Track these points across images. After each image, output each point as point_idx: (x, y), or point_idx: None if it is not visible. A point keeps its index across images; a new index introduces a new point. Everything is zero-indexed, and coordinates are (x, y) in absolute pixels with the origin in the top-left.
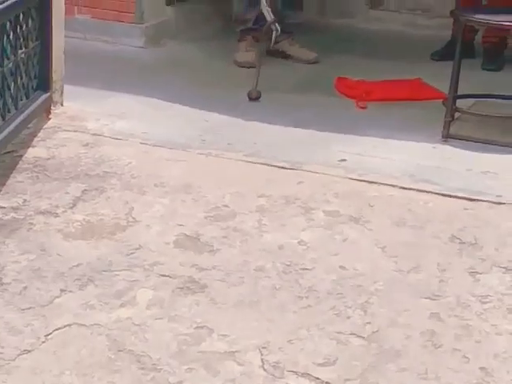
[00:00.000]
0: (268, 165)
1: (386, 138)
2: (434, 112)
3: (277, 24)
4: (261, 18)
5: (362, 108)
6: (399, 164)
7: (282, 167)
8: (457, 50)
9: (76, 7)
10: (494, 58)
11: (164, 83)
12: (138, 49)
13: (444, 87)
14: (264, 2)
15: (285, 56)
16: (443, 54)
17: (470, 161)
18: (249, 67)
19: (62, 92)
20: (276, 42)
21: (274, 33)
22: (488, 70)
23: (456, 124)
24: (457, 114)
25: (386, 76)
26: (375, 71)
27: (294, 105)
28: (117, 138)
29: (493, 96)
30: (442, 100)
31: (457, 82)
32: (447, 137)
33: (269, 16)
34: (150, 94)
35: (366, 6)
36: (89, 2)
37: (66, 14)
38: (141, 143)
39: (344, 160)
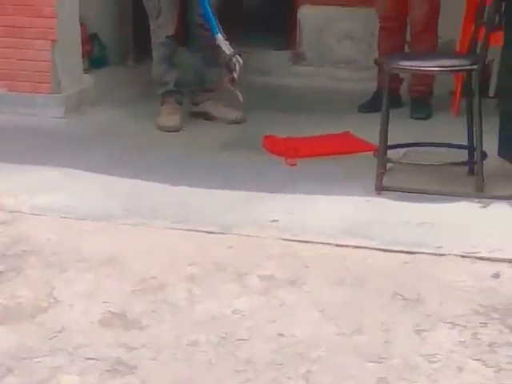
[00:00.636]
0: (196, 231)
1: (317, 194)
2: (365, 164)
3: (238, 56)
4: (180, 80)
5: (292, 165)
6: (333, 220)
7: (212, 232)
8: (384, 99)
9: None
10: (422, 107)
11: (86, 153)
12: (58, 119)
13: (374, 139)
14: (221, 37)
15: (208, 117)
16: (371, 105)
17: (405, 212)
18: (172, 131)
19: None
20: (197, 104)
21: (236, 65)
22: (417, 118)
23: (388, 175)
24: (389, 165)
25: (314, 131)
26: (303, 127)
27: (222, 165)
28: (36, 214)
29: (423, 144)
30: (372, 151)
31: (386, 133)
32: (381, 189)
33: (228, 49)
34: (71, 165)
35: (289, 61)
36: (4, 75)
37: None
38: (62, 217)
39: (276, 220)
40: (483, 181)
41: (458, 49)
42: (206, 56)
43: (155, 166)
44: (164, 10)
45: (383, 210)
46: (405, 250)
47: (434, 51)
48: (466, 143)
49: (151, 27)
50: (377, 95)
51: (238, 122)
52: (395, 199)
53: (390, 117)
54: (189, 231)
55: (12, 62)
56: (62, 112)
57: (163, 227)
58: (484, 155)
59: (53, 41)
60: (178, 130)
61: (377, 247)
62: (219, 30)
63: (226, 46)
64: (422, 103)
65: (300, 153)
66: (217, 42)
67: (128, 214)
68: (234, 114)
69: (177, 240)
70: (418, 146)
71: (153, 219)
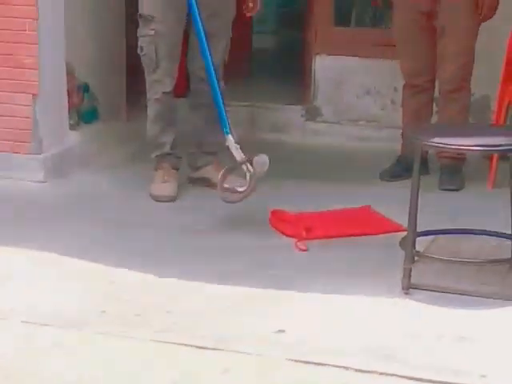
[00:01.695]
0: (185, 345)
1: (332, 293)
2: (389, 250)
3: (249, 164)
4: (178, 141)
5: (303, 250)
6: (351, 333)
7: (203, 347)
8: (413, 181)
9: None
10: (453, 176)
11: (64, 228)
12: (37, 184)
13: (399, 215)
14: (231, 139)
15: (209, 184)
16: (394, 173)
17: (439, 322)
18: (167, 201)
19: None
20: (196, 168)
21: (247, 174)
22: (447, 190)
23: (417, 267)
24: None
25: (330, 203)
26: (316, 198)
27: (221, 250)
28: None
29: (457, 231)
30: (398, 232)
31: (415, 220)
32: (408, 287)
33: (238, 155)
34: (45, 245)
35: (302, 117)
36: None
37: None
38: (22, 322)
39: (282, 331)
40: None
41: (494, 107)
42: (207, 114)
43: (142, 249)
44: (162, 63)
45: (412, 319)
46: (440, 379)
47: (472, 123)
48: (508, 228)
49: (147, 81)
50: (401, 161)
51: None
52: (427, 302)
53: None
54: (175, 345)
55: None
56: (41, 176)
57: (144, 339)
58: None
59: (34, 95)
60: (173, 200)
61: (406, 375)
62: (230, 130)
63: (236, 151)
64: (453, 171)
65: (313, 233)
66: (226, 143)
67: (104, 318)
68: (239, 184)
69: (159, 358)
70: (452, 234)
71: (133, 327)
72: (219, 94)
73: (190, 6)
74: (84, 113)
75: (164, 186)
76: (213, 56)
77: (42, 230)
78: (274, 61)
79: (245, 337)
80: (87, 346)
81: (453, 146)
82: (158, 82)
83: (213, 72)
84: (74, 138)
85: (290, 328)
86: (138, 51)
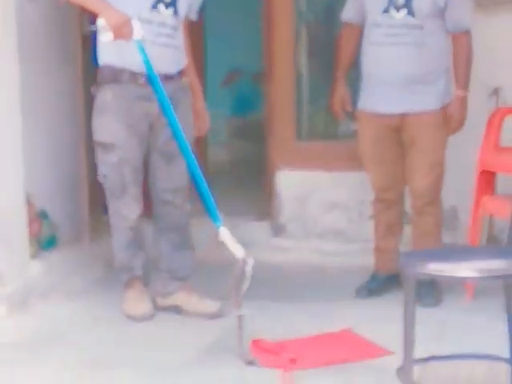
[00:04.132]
0: None
1: None
2: (380, 378)
3: (249, 260)
4: (147, 262)
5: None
6: None
7: None
8: (406, 316)
9: None
10: (428, 289)
11: (30, 372)
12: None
13: (380, 336)
14: (226, 232)
15: (180, 312)
16: (369, 290)
17: None
18: (145, 320)
19: None
20: (166, 295)
21: (247, 272)
22: (425, 306)
23: None
24: None
25: (307, 326)
26: (293, 321)
27: None
28: None
29: (454, 357)
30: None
31: (412, 347)
32: None
33: (238, 251)
34: None
35: (268, 233)
36: None
37: None
38: None
39: None
40: None
41: (462, 218)
42: (174, 239)
43: None
44: (129, 189)
45: None
46: None
47: (467, 247)
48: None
49: (111, 209)
50: (376, 276)
51: (216, 316)
52: None
53: (390, 303)
54: None
55: None
56: (3, 311)
57: None
58: None
59: None
60: (151, 318)
61: None
62: (220, 223)
63: (234, 247)
64: (430, 286)
65: (299, 364)
66: (219, 239)
67: None
68: (212, 307)
69: None
70: (447, 360)
71: None
72: (203, 184)
73: (170, 124)
74: (44, 241)
75: (139, 304)
76: (178, 180)
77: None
78: (231, 173)
79: None
80: None
81: (453, 275)
82: (127, 208)
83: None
84: (36, 267)
85: None
86: (100, 179)
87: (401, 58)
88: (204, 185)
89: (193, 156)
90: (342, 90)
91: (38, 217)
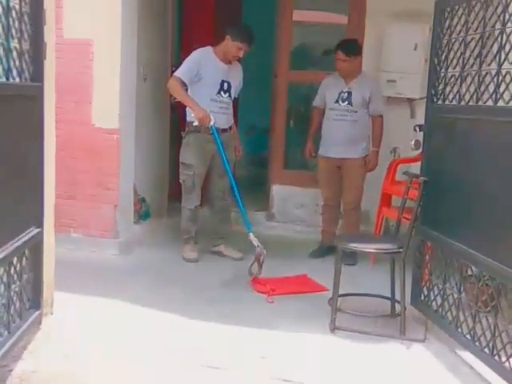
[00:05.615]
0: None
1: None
2: (320, 303)
3: (264, 251)
4: (200, 230)
5: (271, 302)
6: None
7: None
8: (336, 268)
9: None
10: (350, 257)
11: (130, 284)
12: (114, 256)
13: (323, 280)
14: (253, 236)
15: (221, 255)
16: (317, 254)
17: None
18: (193, 262)
19: (52, 304)
20: (215, 245)
21: (261, 258)
22: (348, 264)
23: (338, 316)
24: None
25: (281, 271)
26: (276, 268)
27: (221, 300)
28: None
29: (365, 294)
30: (324, 291)
31: (338, 288)
32: (334, 329)
33: (259, 247)
34: (116, 295)
35: (265, 219)
36: (82, 225)
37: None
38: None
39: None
40: (405, 328)
41: (373, 219)
42: (221, 217)
43: (176, 299)
44: (196, 189)
45: (336, 349)
46: None
47: (373, 235)
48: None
49: (184, 198)
50: (321, 247)
51: (240, 260)
52: (344, 338)
53: (328, 263)
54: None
55: (88, 217)
56: (117, 251)
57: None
58: (405, 308)
59: (115, 205)
60: (197, 261)
61: None
62: (251, 230)
63: (255, 241)
64: (351, 254)
65: (276, 292)
66: (249, 238)
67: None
68: (238, 254)
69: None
70: (360, 295)
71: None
72: (242, 206)
73: (221, 156)
74: (142, 214)
75: (191, 253)
76: (224, 185)
77: (116, 286)
78: (246, 185)
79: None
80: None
81: (361, 249)
82: (193, 200)
83: (236, 190)
84: (136, 229)
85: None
86: (181, 182)
87: (342, 128)
88: (240, 204)
89: (232, 175)
90: (310, 145)
91: (139, 201)
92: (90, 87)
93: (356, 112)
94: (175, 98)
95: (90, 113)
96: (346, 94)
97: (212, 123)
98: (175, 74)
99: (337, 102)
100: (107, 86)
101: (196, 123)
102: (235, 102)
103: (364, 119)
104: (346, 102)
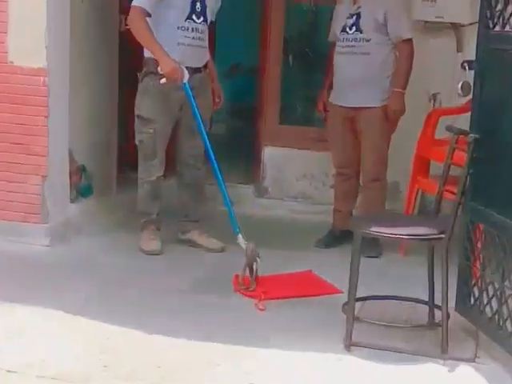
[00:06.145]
0: None
1: (289, 350)
2: (330, 310)
3: (258, 259)
4: (162, 209)
5: (262, 310)
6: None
7: None
8: (352, 265)
9: None
10: (373, 245)
11: (66, 288)
12: (44, 248)
13: (333, 277)
14: (242, 238)
15: (193, 245)
16: (326, 242)
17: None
18: (154, 255)
19: None
20: (184, 232)
21: (255, 264)
22: (369, 257)
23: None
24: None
25: (276, 267)
26: (268, 262)
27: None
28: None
29: (388, 297)
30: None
31: (355, 290)
32: (350, 345)
33: (245, 246)
34: (51, 304)
35: (253, 194)
36: None
37: None
38: (37, 377)
39: None
40: (447, 344)
41: (403, 190)
42: (192, 192)
43: (133, 303)
44: (158, 154)
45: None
46: None
47: (403, 215)
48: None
49: (142, 166)
50: (332, 232)
51: (219, 251)
52: (365, 358)
53: (344, 254)
54: None
55: (4, 193)
56: (47, 241)
57: None
58: (448, 315)
59: (43, 176)
60: (159, 254)
61: None
62: (239, 230)
63: (243, 245)
64: (373, 243)
65: (269, 295)
66: (237, 241)
67: (106, 372)
68: (217, 244)
69: None
70: (382, 299)
71: (130, 379)
72: (227, 197)
73: (192, 109)
74: (82, 189)
75: (151, 242)
76: (198, 148)
77: (46, 288)
78: (226, 146)
79: None
80: None
81: (387, 234)
82: (155, 168)
83: (212, 154)
84: (74, 209)
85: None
86: (137, 143)
87: (351, 63)
88: (226, 196)
89: (207, 133)
90: (325, 97)
91: (78, 170)
92: (4, 9)
93: (368, 41)
94: (127, 24)
95: (5, 46)
96: (353, 17)
97: (185, 80)
98: (134, 2)
99: (344, 30)
100: (29, 7)
101: (164, 80)
102: (212, 28)
103: (383, 50)
104: (354, 29)
